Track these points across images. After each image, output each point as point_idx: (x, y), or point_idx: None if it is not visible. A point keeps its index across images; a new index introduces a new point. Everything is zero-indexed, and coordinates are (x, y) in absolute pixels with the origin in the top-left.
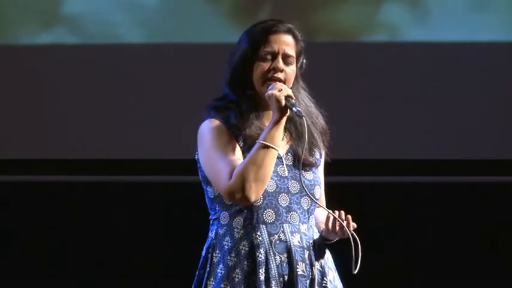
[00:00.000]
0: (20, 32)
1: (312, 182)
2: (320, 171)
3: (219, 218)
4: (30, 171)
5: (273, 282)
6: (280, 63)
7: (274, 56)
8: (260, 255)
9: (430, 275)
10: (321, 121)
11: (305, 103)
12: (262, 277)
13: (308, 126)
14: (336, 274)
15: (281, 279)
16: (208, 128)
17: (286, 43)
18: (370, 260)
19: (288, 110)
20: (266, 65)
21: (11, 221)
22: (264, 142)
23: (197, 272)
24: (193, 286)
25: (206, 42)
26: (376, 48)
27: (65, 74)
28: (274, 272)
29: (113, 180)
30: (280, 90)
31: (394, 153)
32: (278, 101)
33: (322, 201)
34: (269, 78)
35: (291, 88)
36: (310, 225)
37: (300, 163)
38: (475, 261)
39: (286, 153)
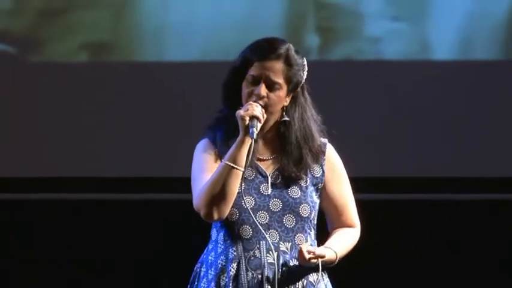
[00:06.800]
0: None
1: (298, 200)
2: (329, 187)
3: (211, 234)
4: (33, 189)
5: None
6: (262, 91)
7: (258, 81)
8: (232, 270)
9: None
10: (315, 144)
11: (298, 124)
12: None
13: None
14: None
15: None
16: (197, 147)
17: (273, 69)
18: None
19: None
20: (250, 88)
21: None
22: (226, 162)
23: (188, 286)
24: None
25: None
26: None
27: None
28: (244, 287)
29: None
30: (247, 110)
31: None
32: (242, 119)
33: (346, 216)
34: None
35: (286, 110)
36: (297, 244)
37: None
38: None
39: (274, 171)
